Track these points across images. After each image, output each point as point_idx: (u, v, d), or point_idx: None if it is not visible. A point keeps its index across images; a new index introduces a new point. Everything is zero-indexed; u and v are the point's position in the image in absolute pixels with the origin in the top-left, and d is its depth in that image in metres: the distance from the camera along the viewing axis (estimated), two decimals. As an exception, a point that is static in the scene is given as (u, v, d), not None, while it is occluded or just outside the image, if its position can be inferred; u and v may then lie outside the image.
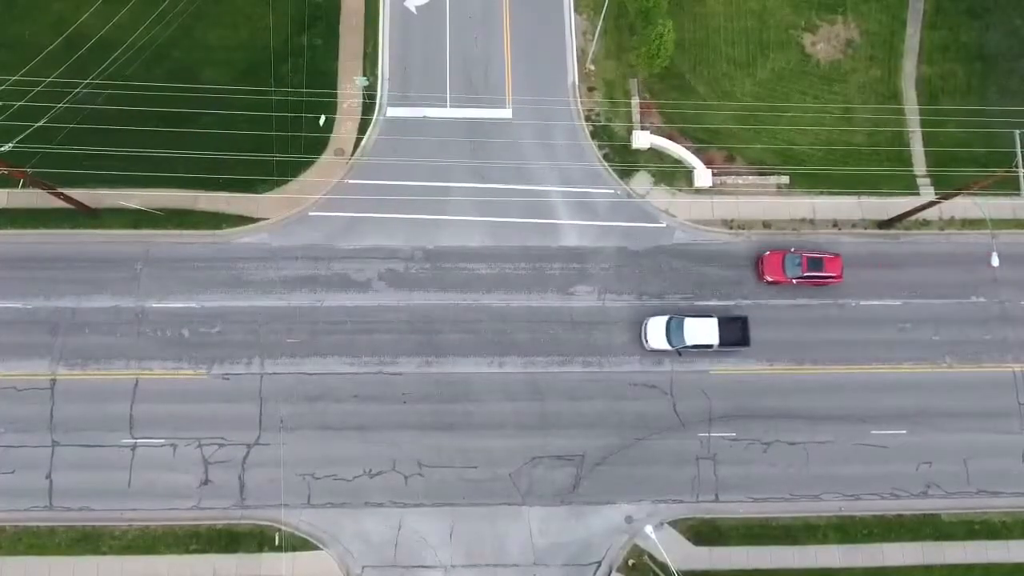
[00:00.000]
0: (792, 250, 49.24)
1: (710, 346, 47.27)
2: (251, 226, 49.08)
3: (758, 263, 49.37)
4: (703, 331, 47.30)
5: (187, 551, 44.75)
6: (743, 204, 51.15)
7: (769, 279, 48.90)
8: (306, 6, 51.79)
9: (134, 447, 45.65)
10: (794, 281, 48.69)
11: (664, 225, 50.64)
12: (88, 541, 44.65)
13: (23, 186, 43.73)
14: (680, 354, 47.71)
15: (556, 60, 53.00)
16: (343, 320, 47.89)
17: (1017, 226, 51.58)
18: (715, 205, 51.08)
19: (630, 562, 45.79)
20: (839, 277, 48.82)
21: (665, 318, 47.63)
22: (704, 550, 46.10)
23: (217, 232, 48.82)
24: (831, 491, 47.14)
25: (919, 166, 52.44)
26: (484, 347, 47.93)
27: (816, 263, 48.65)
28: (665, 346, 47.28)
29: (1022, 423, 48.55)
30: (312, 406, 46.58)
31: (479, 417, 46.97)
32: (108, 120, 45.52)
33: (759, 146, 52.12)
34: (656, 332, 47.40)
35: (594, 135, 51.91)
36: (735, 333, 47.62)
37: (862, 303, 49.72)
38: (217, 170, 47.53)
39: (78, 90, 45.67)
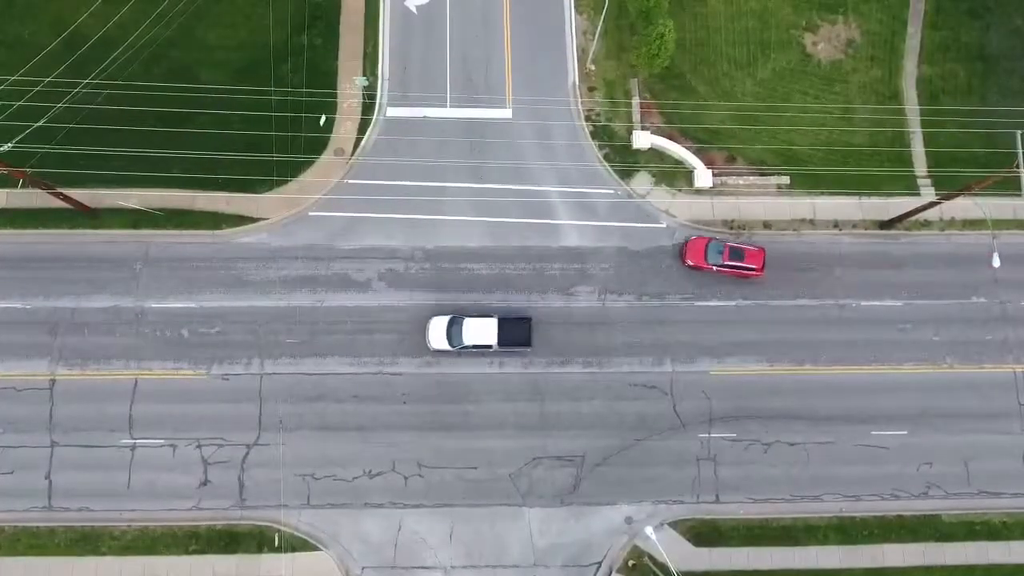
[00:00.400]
0: (717, 238, 49.25)
1: (489, 346, 46.53)
2: (251, 226, 49.02)
3: (682, 248, 49.28)
4: (482, 331, 46.46)
5: (186, 552, 44.71)
6: (743, 204, 51.10)
7: (690, 263, 48.83)
8: (306, 6, 51.75)
9: (133, 447, 45.59)
10: (714, 268, 48.57)
11: (664, 225, 50.57)
12: (87, 542, 44.62)
13: (22, 186, 43.69)
14: (460, 354, 47.14)
15: (556, 60, 52.94)
16: (343, 320, 47.82)
17: (1018, 227, 51.50)
18: (715, 205, 51.03)
19: (630, 563, 45.74)
20: (760, 271, 48.65)
21: (447, 317, 46.99)
22: (704, 551, 46.05)
23: (217, 232, 48.76)
24: (832, 492, 47.06)
25: (920, 166, 52.36)
26: (484, 347, 47.95)
27: (737, 253, 48.52)
28: (446, 346, 46.60)
29: (1023, 424, 48.46)
30: (312, 406, 46.52)
31: (479, 418, 46.91)
32: (108, 120, 45.48)
33: (759, 146, 52.06)
34: (437, 332, 46.77)
35: (594, 135, 51.85)
36: (516, 334, 46.72)
37: (863, 303, 49.66)
38: (217, 170, 47.50)
39: (77, 90, 45.64)
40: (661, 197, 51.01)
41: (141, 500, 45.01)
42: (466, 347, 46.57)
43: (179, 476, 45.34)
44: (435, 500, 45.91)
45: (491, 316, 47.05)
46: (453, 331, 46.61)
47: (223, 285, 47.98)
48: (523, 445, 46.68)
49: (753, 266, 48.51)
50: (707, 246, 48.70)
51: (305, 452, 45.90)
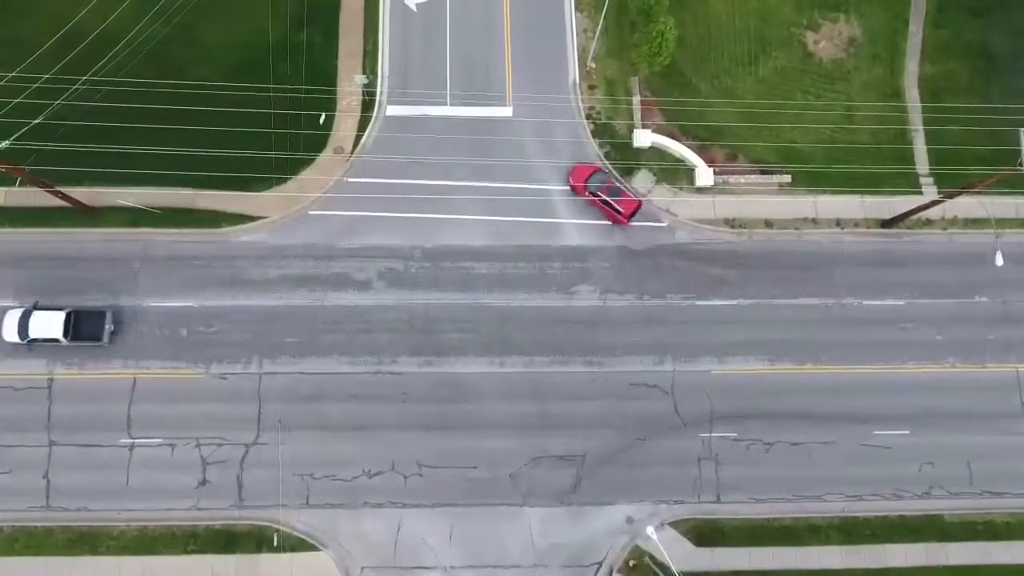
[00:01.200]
0: (609, 173, 50.14)
1: (57, 340, 45.50)
2: (250, 225, 48.84)
3: (572, 168, 50.18)
4: (49, 324, 45.39)
5: (185, 551, 44.51)
6: (745, 203, 50.89)
7: (572, 182, 49.79)
8: (305, 3, 51.55)
9: (132, 447, 45.38)
10: (588, 194, 49.34)
11: (665, 224, 50.39)
12: (85, 541, 44.43)
13: (20, 184, 43.56)
14: (30, 348, 45.96)
15: (557, 58, 52.77)
16: (343, 319, 47.61)
17: (1021, 225, 51.37)
18: (717, 204, 50.84)
19: (631, 563, 45.54)
20: (626, 219, 49.20)
21: (21, 310, 46.02)
22: (706, 551, 45.86)
23: (216, 231, 48.57)
24: (834, 492, 46.86)
25: (922, 165, 52.23)
26: (484, 347, 47.66)
27: (615, 191, 49.33)
28: (17, 339, 45.60)
29: (1026, 423, 48.35)
30: (311, 406, 46.30)
31: (479, 417, 46.69)
32: (106, 117, 45.24)
33: (761, 144, 51.89)
34: (10, 324, 45.79)
35: (595, 133, 51.68)
36: (87, 328, 45.59)
37: (865, 303, 49.47)
38: (216, 168, 47.27)
39: (76, 87, 45.46)
40: (662, 195, 50.84)
41: (140, 500, 44.78)
42: (34, 340, 45.60)
43: (178, 476, 45.11)
44: (435, 500, 45.69)
45: (60, 309, 46.00)
46: (22, 324, 45.67)
47: (222, 284, 47.77)
48: (523, 444, 46.46)
49: (622, 210, 48.99)
50: (593, 173, 49.68)
51: (304, 452, 45.67)
